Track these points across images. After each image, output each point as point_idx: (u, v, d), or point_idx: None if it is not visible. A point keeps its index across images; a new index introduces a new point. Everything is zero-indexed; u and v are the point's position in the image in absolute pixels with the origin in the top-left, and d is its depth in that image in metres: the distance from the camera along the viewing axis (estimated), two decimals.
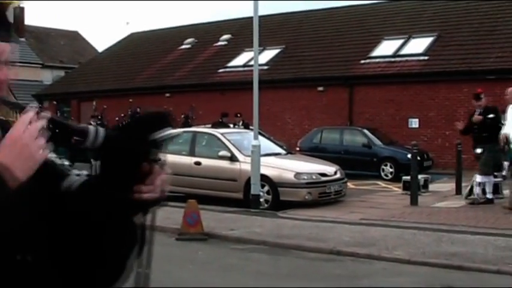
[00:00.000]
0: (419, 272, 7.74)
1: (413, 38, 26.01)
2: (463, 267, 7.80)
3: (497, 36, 24.22)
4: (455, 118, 23.15)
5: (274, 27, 30.42)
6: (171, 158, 12.30)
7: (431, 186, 16.29)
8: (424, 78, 23.86)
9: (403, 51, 25.42)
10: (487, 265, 7.81)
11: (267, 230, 10.69)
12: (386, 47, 26.20)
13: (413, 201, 13.33)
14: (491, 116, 13.07)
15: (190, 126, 20.76)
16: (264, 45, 25.18)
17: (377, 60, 25.67)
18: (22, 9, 29.79)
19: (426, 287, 7.15)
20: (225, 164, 14.49)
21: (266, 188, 13.72)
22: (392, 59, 25.24)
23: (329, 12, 32.02)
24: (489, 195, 13.33)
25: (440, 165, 22.10)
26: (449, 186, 16.45)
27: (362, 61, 25.95)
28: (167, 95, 29.83)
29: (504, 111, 12.95)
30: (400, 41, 26.18)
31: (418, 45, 25.35)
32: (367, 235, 9.94)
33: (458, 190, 15.05)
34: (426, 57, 24.59)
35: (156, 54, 34.31)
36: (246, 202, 13.57)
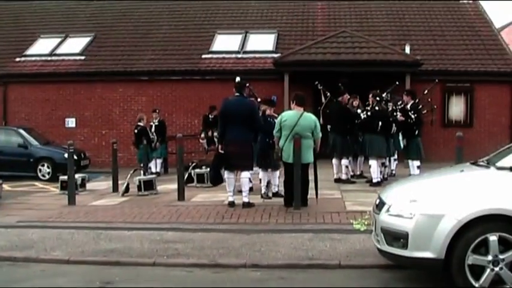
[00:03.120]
0: (79, 271, 7.84)
1: (70, 37, 26.01)
2: (121, 263, 8.07)
3: (151, 39, 25.35)
4: (111, 117, 23.78)
5: None
6: None
7: (89, 185, 16.51)
8: (80, 77, 23.97)
9: (60, 51, 25.27)
10: (143, 258, 8.19)
11: None
12: (42, 46, 25.79)
13: (71, 201, 13.37)
14: None
15: None
16: None
17: (33, 58, 25.12)
18: None
19: (86, 286, 7.26)
20: None
21: None
22: (49, 58, 24.93)
23: None
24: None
25: (98, 164, 22.48)
26: (106, 184, 16.81)
27: (17, 59, 25.22)
28: None
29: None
30: (57, 40, 25.97)
31: (75, 45, 25.44)
32: (24, 238, 9.76)
33: (115, 188, 15.47)
34: (83, 57, 24.75)
35: None
36: None
